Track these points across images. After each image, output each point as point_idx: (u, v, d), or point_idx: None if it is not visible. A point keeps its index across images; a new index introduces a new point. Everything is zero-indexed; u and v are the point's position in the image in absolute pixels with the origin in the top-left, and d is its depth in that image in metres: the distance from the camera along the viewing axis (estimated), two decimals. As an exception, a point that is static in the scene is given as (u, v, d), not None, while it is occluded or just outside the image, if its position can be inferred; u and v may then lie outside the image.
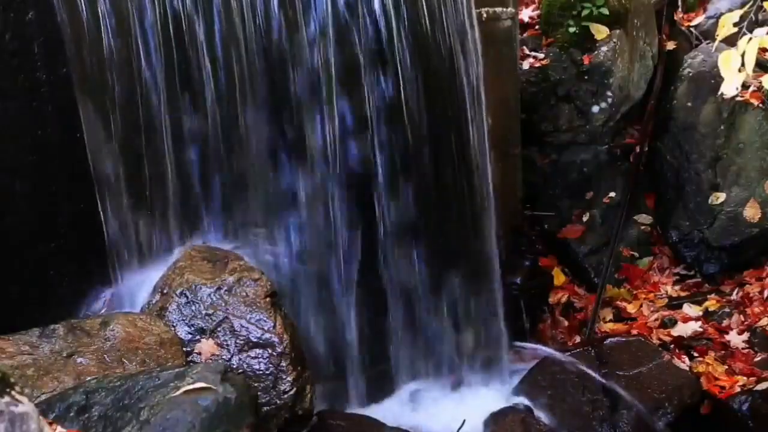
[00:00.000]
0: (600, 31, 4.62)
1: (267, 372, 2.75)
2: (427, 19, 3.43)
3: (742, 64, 2.57)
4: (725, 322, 4.29)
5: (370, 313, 3.54)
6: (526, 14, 4.84)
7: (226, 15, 3.06)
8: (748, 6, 3.21)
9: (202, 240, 3.14)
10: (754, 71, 2.63)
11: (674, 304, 4.49)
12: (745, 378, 3.82)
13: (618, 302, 4.54)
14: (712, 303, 4.42)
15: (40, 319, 2.69)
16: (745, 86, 4.30)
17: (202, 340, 2.78)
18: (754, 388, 3.68)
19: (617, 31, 4.65)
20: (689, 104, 4.72)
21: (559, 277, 4.57)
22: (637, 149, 4.81)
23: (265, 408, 2.68)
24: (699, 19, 5.06)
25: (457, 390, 3.79)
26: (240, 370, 2.71)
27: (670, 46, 5.00)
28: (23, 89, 2.77)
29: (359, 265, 3.48)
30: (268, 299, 2.84)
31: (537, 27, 4.83)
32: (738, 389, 3.73)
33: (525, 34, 4.78)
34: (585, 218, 4.72)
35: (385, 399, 3.64)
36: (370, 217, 3.47)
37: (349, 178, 3.39)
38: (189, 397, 2.13)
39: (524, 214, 4.66)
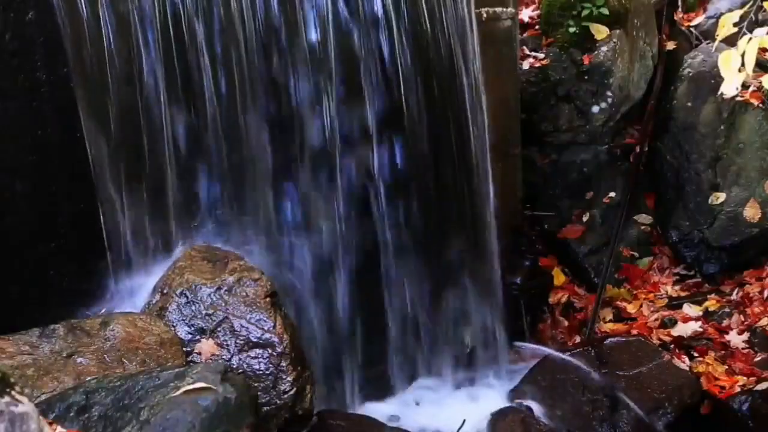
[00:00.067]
0: (600, 31, 4.62)
1: (267, 372, 2.75)
2: (427, 19, 3.43)
3: (742, 64, 2.57)
4: (725, 322, 4.29)
5: (369, 313, 3.54)
6: (526, 14, 4.84)
7: (225, 15, 3.06)
8: (748, 6, 3.21)
9: (201, 240, 3.14)
10: (754, 71, 2.63)
11: (674, 304, 4.49)
12: (745, 378, 3.82)
13: (618, 302, 4.53)
14: (712, 303, 4.42)
15: (40, 319, 2.68)
16: (745, 86, 4.30)
17: (202, 340, 2.78)
18: (754, 388, 3.68)
19: (617, 31, 4.65)
20: (689, 104, 4.71)
21: (559, 277, 4.57)
22: (637, 149, 4.81)
23: (265, 408, 2.68)
24: (699, 19, 5.06)
25: (457, 390, 3.79)
26: (240, 370, 2.71)
27: (670, 46, 4.99)
28: (23, 89, 2.77)
29: (358, 264, 3.48)
30: (268, 299, 2.84)
31: (537, 27, 4.83)
32: (738, 389, 3.73)
33: (525, 34, 4.78)
34: (585, 218, 4.72)
35: (386, 399, 3.64)
36: (369, 216, 3.47)
37: (349, 178, 3.39)
38: (189, 397, 2.13)
39: (524, 214, 4.66)
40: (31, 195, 2.84)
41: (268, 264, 3.14)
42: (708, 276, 4.65)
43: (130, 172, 3.01)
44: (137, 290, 2.99)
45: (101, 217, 2.96)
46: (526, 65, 4.67)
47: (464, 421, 3.41)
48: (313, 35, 3.22)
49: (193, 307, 2.83)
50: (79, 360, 2.56)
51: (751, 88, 4.49)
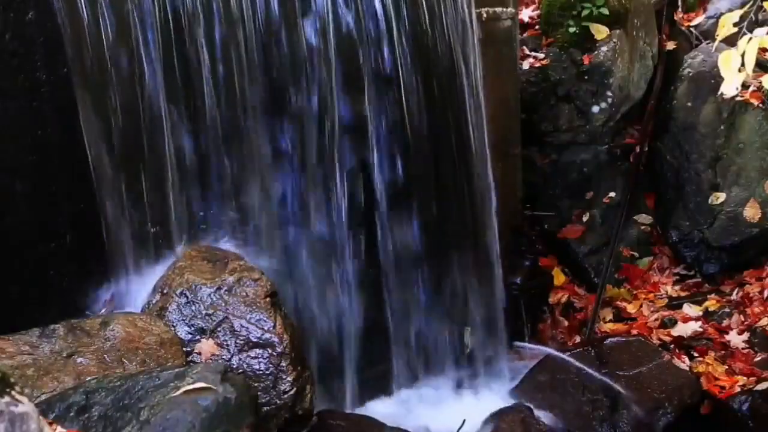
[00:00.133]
0: (600, 31, 4.63)
1: (267, 372, 2.74)
2: (427, 19, 3.43)
3: (742, 64, 2.57)
4: (725, 322, 4.29)
5: (370, 313, 3.54)
6: (526, 14, 4.84)
7: (225, 15, 3.06)
8: (748, 6, 3.21)
9: (202, 239, 3.14)
10: (754, 71, 2.63)
11: (674, 304, 4.49)
12: (745, 378, 3.82)
13: (618, 302, 4.54)
14: (712, 303, 4.42)
15: (40, 319, 2.68)
16: (745, 86, 4.30)
17: (202, 340, 2.78)
18: (754, 388, 3.68)
19: (617, 31, 4.65)
20: (689, 104, 4.72)
21: (559, 277, 4.57)
22: (637, 149, 4.81)
23: (265, 408, 2.68)
24: (699, 19, 5.06)
25: (457, 390, 3.79)
26: (240, 370, 2.71)
27: (670, 46, 5.00)
28: (23, 89, 2.76)
29: (358, 264, 3.48)
30: (268, 299, 2.84)
31: (537, 27, 4.83)
32: (738, 389, 3.74)
33: (525, 34, 4.78)
34: (585, 218, 4.72)
35: (386, 399, 3.64)
36: (369, 215, 3.47)
37: (349, 178, 3.39)
38: (189, 397, 2.13)
39: (524, 214, 4.66)
40: (31, 195, 2.84)
41: (268, 263, 3.14)
42: (708, 276, 4.65)
43: (130, 171, 3.01)
44: (137, 290, 2.98)
45: (101, 217, 2.96)
46: (526, 65, 4.67)
47: (464, 421, 3.41)
48: (313, 36, 3.22)
49: (193, 307, 2.83)
50: (79, 360, 2.56)
51: (751, 88, 4.49)
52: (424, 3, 3.40)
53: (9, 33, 2.71)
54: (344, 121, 3.34)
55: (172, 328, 2.77)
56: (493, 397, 3.74)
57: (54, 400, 2.29)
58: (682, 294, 4.59)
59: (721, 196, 4.60)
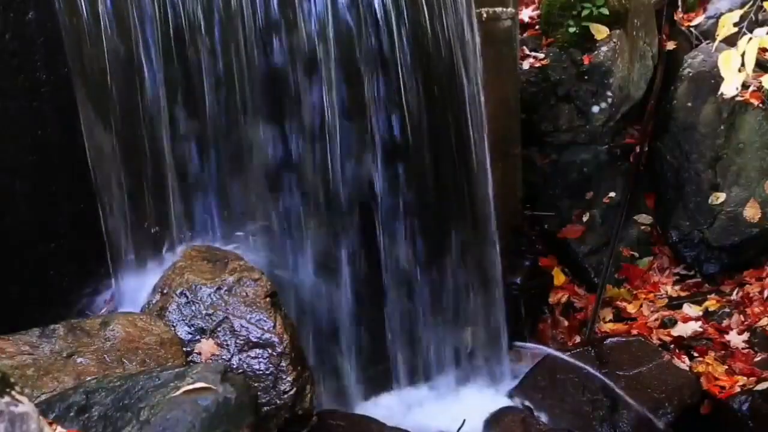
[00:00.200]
0: (600, 31, 4.63)
1: (267, 372, 2.74)
2: (427, 19, 3.43)
3: (742, 64, 2.58)
4: (725, 322, 4.29)
5: (370, 313, 3.54)
6: (526, 14, 4.84)
7: (226, 15, 3.06)
8: (748, 6, 3.21)
9: (201, 240, 3.14)
10: (754, 71, 2.63)
11: (674, 304, 4.49)
12: (745, 378, 3.82)
13: (618, 302, 4.54)
14: (712, 303, 4.42)
15: (40, 319, 2.68)
16: (745, 86, 4.30)
17: (202, 340, 2.78)
18: (754, 388, 3.68)
19: (617, 31, 4.65)
20: (689, 104, 4.72)
21: (559, 277, 4.57)
22: (637, 149, 4.81)
23: (265, 408, 2.68)
24: (699, 19, 5.06)
25: (458, 390, 3.79)
26: (240, 370, 2.71)
27: (670, 46, 5.00)
28: (23, 89, 2.77)
29: (359, 264, 3.48)
30: (268, 299, 2.84)
31: (537, 27, 4.83)
32: (738, 389, 3.73)
33: (525, 34, 4.78)
34: (585, 218, 4.72)
35: (386, 399, 3.64)
36: (369, 215, 3.47)
37: (349, 178, 3.39)
38: (189, 397, 2.13)
39: (524, 214, 4.66)
40: (31, 195, 2.84)
41: (268, 263, 3.14)
42: (708, 276, 4.65)
43: (130, 171, 3.01)
44: (137, 290, 2.98)
45: (101, 217, 2.96)
46: (526, 65, 4.67)
47: (464, 421, 3.41)
48: (313, 36, 3.22)
49: (193, 307, 2.83)
50: (79, 360, 2.56)
51: (751, 88, 4.49)
52: (424, 3, 3.40)
53: (9, 33, 2.71)
54: (343, 121, 3.34)
55: (172, 328, 2.77)
56: (493, 396, 3.74)
57: (54, 400, 2.29)
58: (682, 294, 4.59)
59: (721, 196, 4.60)
